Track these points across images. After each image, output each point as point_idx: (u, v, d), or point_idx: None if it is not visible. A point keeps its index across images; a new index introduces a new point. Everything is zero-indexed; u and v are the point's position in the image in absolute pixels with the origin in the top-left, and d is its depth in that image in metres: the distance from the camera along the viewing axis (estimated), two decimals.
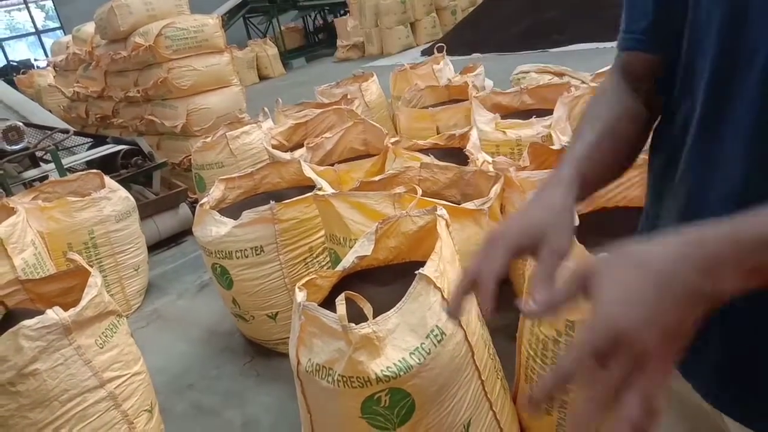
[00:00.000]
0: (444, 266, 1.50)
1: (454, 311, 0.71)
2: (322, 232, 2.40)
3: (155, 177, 4.07)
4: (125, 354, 1.85)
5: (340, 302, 1.34)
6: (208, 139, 3.78)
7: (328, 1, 15.81)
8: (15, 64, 13.98)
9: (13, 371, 1.61)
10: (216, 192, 2.64)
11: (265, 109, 4.03)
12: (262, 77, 13.10)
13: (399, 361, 1.31)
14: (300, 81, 11.19)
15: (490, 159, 2.48)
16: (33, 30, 15.95)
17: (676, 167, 0.71)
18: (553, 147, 2.26)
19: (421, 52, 11.03)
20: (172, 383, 2.44)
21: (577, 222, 0.72)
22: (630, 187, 1.81)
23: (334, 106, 3.78)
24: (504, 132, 2.86)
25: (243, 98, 5.11)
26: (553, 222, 0.69)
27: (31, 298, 2.04)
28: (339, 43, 13.67)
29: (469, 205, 1.98)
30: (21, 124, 3.71)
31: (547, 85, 3.32)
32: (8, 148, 3.54)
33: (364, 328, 1.31)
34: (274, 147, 3.37)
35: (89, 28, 6.01)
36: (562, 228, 0.68)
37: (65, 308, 1.71)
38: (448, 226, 1.66)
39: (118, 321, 1.87)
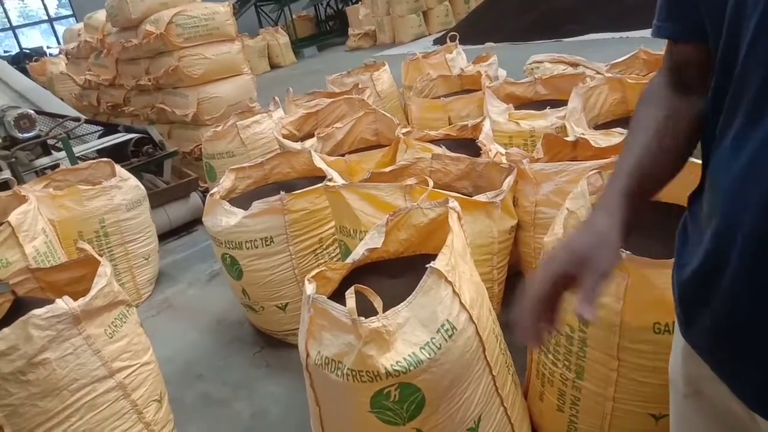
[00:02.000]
0: (455, 260, 1.47)
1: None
2: (332, 223, 2.38)
3: (166, 166, 4.07)
4: (134, 344, 1.85)
5: (350, 295, 1.32)
6: (219, 129, 3.77)
7: None
8: (28, 51, 14.04)
9: (23, 360, 1.61)
10: (226, 182, 2.63)
11: (276, 98, 4.01)
12: (273, 66, 13.06)
13: (409, 355, 1.29)
14: (311, 70, 11.14)
15: (503, 150, 2.45)
16: (46, 17, 15.99)
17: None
18: (568, 138, 2.22)
19: (434, 41, 10.93)
20: (182, 373, 2.45)
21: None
22: None
23: (345, 96, 3.75)
24: (517, 123, 2.82)
25: (254, 87, 5.09)
26: (597, 244, 0.75)
27: (41, 286, 2.04)
28: (351, 31, 13.58)
29: (481, 198, 1.95)
30: (33, 111, 3.71)
31: (562, 75, 3.27)
32: (20, 135, 3.55)
33: (374, 322, 1.29)
34: (285, 137, 3.35)
35: (101, 15, 6.00)
36: (606, 250, 0.74)
37: (75, 297, 1.71)
38: (459, 218, 1.64)
39: (127, 311, 1.87)
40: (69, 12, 15.77)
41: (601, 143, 2.13)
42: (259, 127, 3.72)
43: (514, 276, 2.32)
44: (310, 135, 3.39)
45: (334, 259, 2.42)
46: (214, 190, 2.52)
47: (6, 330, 1.60)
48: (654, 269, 1.24)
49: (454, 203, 1.66)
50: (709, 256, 0.71)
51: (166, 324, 2.90)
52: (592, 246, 0.74)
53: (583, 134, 2.27)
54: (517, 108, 2.96)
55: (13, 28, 15.45)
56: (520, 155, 2.08)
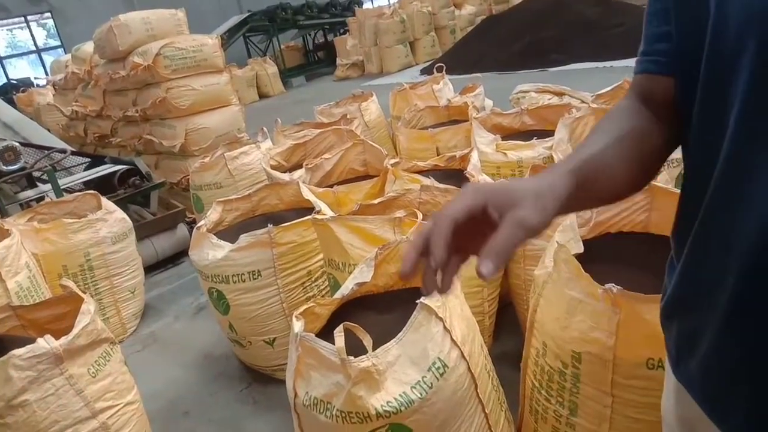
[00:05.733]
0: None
1: (404, 274, 0.62)
2: (321, 256, 2.36)
3: (153, 197, 4.04)
4: (118, 383, 1.80)
5: (339, 334, 1.30)
6: (206, 160, 3.76)
7: (327, 20, 15.91)
8: (15, 82, 14.02)
9: (1, 402, 1.56)
10: (213, 214, 2.61)
11: (264, 129, 4.01)
12: (261, 95, 13.14)
13: (400, 395, 1.27)
14: (300, 99, 11.22)
15: (487, 180, 2.45)
16: (34, 48, 16.02)
17: (701, 203, 0.67)
18: None
19: (421, 70, 11.08)
20: (167, 410, 2.38)
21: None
22: (635, 212, 1.78)
23: (334, 127, 3.75)
24: (505, 154, 2.83)
25: (242, 118, 5.10)
26: (532, 193, 0.62)
27: (23, 324, 1.99)
28: (339, 61, 13.74)
29: None
30: (17, 144, 3.68)
31: (548, 106, 3.30)
32: (4, 168, 3.51)
33: (363, 362, 1.26)
34: (273, 167, 3.34)
35: (88, 47, 6.03)
36: (539, 202, 0.61)
37: (58, 335, 1.67)
38: None
39: (111, 349, 1.83)
40: (57, 43, 15.81)
41: None
42: (247, 158, 3.71)
43: (504, 308, 2.30)
44: (299, 166, 3.38)
45: (323, 292, 2.40)
46: (201, 223, 2.50)
47: None
48: (646, 304, 1.23)
49: None
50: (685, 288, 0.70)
51: (152, 359, 2.83)
52: (526, 192, 0.62)
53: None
54: (504, 138, 2.98)
55: (0, 59, 15.45)
56: None
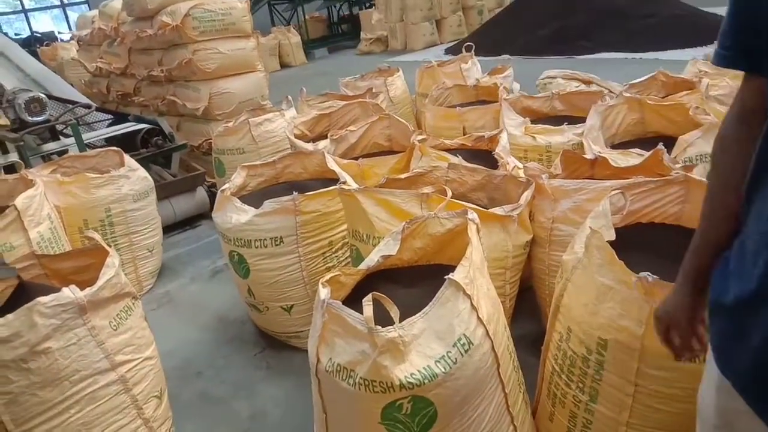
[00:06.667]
0: (474, 273, 1.45)
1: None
2: (343, 227, 2.36)
3: (174, 158, 4.04)
4: (138, 338, 1.82)
5: (368, 303, 1.29)
6: (230, 124, 3.74)
7: None
8: (39, 35, 13.99)
9: (25, 348, 1.57)
10: (237, 179, 2.60)
11: (289, 97, 3.99)
12: (283, 65, 13.04)
13: (424, 368, 1.27)
14: (322, 71, 11.13)
15: (519, 164, 2.42)
16: (58, 3, 15.98)
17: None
18: (587, 156, 2.19)
19: (445, 50, 10.93)
20: (180, 369, 2.41)
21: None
22: (668, 204, 1.75)
23: (359, 99, 3.73)
24: (533, 137, 2.80)
25: (266, 85, 5.07)
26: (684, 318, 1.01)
27: (46, 273, 2.01)
28: (363, 35, 13.58)
29: (497, 211, 1.93)
30: (44, 96, 3.68)
31: (579, 92, 3.25)
32: (30, 119, 3.52)
33: (390, 332, 1.26)
34: (297, 137, 3.33)
35: (116, 3, 5.99)
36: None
37: (81, 287, 1.68)
38: (478, 231, 1.61)
39: (133, 303, 1.84)
40: None
41: (620, 163, 2.11)
42: (271, 125, 3.69)
43: (523, 292, 2.29)
44: (322, 136, 3.37)
45: (342, 263, 2.40)
46: (225, 186, 2.49)
47: (10, 316, 1.57)
48: None
49: (473, 215, 1.63)
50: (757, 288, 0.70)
51: (167, 318, 2.86)
52: (679, 320, 1.02)
53: (601, 152, 2.24)
54: (533, 122, 2.94)
55: (25, 11, 15.42)
56: (539, 170, 2.06)
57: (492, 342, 1.41)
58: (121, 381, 1.74)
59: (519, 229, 2.00)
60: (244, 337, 2.59)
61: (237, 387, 2.27)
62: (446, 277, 1.38)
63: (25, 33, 14.76)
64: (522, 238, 2.02)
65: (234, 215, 2.32)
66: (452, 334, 1.33)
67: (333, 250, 2.37)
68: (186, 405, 2.20)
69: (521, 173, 2.21)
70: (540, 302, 2.21)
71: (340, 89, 4.50)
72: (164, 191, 3.67)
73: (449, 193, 1.82)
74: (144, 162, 3.58)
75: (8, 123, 3.63)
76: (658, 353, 1.29)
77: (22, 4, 15.19)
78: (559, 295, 1.57)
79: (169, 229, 3.75)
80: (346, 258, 2.38)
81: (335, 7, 16.37)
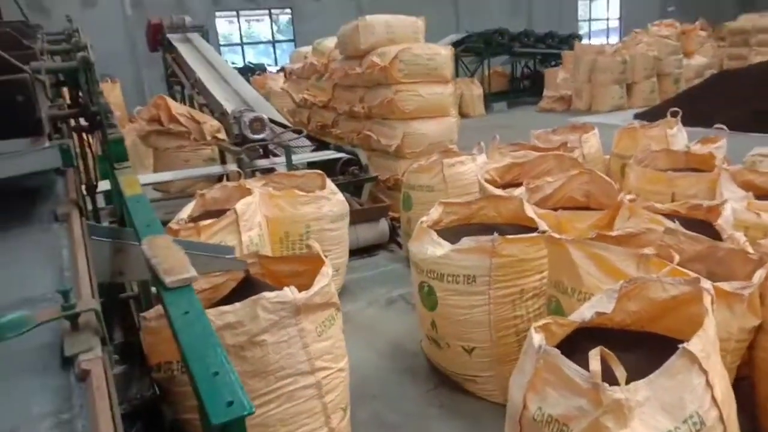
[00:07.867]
0: (709, 348, 1.32)
1: None
2: (537, 276, 2.30)
3: (365, 189, 4.27)
4: (336, 347, 1.91)
5: (595, 357, 1.23)
6: (423, 162, 3.87)
7: (542, 50, 15.69)
8: (252, 66, 15.81)
9: (245, 336, 1.72)
10: (434, 213, 2.67)
11: (481, 143, 4.04)
12: (462, 115, 13.30)
13: None
14: (501, 124, 11.16)
15: (744, 239, 2.19)
16: (266, 39, 18.10)
17: None
18: None
19: (635, 115, 10.41)
20: (357, 387, 2.46)
21: None
22: None
23: (555, 152, 3.66)
24: (758, 214, 2.53)
25: (456, 130, 5.20)
26: None
27: (263, 273, 2.19)
28: (545, 93, 13.47)
29: (725, 286, 1.75)
30: (265, 116, 4.12)
31: None
32: (252, 136, 3.95)
33: (617, 393, 1.18)
34: (487, 182, 3.35)
35: (329, 42, 6.58)
36: None
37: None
38: (713, 303, 1.47)
39: (336, 314, 1.94)
40: (287, 37, 17.71)
41: None
42: (462, 167, 3.76)
43: (737, 381, 2.04)
44: (511, 184, 3.35)
45: (530, 314, 2.32)
46: (424, 218, 2.56)
47: (238, 305, 1.72)
48: None
49: (708, 284, 1.50)
50: None
51: (345, 337, 2.96)
52: None
53: None
54: (756, 198, 2.66)
55: (242, 45, 17.62)
56: None
57: (725, 429, 1.26)
58: (317, 386, 1.83)
59: (747, 311, 1.79)
60: (417, 370, 2.61)
61: (410, 419, 2.27)
62: (680, 345, 1.28)
63: (239, 63, 16.79)
64: (749, 322, 1.81)
65: (430, 247, 2.37)
66: (683, 410, 1.22)
67: (523, 299, 2.31)
68: (362, 424, 2.25)
69: (749, 249, 2.00)
70: (758, 398, 1.95)
71: (531, 140, 4.46)
72: (352, 218, 3.87)
73: (676, 258, 1.70)
74: (339, 188, 3.83)
75: (226, 138, 4.12)
76: None
77: (241, 38, 17.41)
78: None
79: (350, 253, 3.94)
80: (535, 309, 2.31)
81: (520, 63, 16.47)
